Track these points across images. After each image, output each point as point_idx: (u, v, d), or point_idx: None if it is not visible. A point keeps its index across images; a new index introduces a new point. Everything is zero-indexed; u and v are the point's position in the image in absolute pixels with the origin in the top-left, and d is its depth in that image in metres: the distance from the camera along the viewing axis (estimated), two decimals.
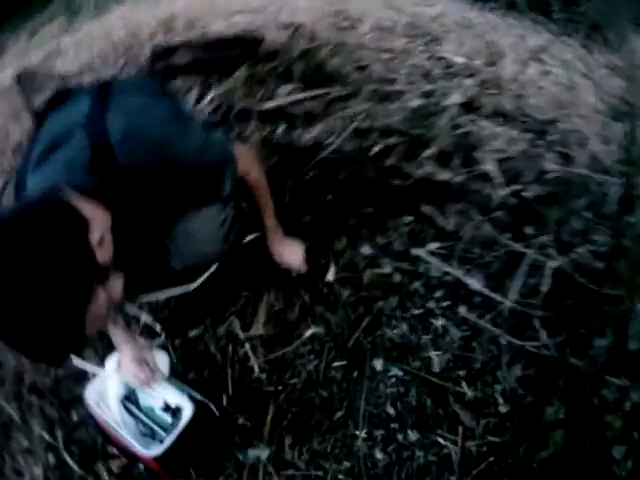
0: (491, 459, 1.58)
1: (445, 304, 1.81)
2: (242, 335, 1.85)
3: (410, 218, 1.93)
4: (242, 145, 1.82)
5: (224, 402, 1.76)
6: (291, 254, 1.78)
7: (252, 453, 1.63)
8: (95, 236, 0.93)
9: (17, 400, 2.05)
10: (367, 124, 2.04)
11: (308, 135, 2.11)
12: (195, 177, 1.24)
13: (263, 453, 1.63)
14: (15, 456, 1.95)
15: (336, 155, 2.02)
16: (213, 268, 1.71)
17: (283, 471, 1.68)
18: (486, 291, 1.79)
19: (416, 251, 1.89)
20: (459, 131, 1.98)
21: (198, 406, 1.59)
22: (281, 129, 2.19)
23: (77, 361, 1.63)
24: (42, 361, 1.00)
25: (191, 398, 1.60)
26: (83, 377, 1.84)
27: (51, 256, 0.86)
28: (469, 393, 1.67)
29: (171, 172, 1.17)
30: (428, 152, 1.92)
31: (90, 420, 1.67)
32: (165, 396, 1.65)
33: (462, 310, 1.80)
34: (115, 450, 1.65)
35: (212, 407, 1.61)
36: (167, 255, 1.47)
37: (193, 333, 1.95)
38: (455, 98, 2.06)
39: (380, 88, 2.18)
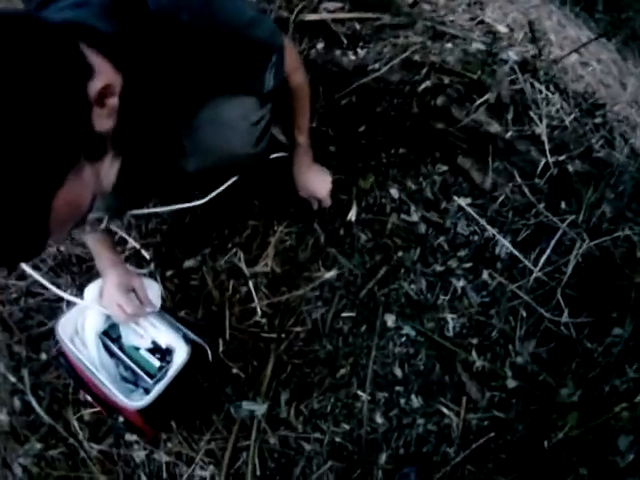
0: (491, 434, 1.50)
1: (468, 265, 1.64)
2: (246, 271, 1.53)
3: (445, 167, 1.71)
4: (291, 42, 1.41)
5: (220, 347, 1.45)
6: (317, 183, 1.53)
7: (246, 407, 1.41)
8: (96, 86, 0.67)
9: None
10: (419, 57, 1.75)
11: (350, 57, 1.79)
12: (238, 51, 1.00)
13: (259, 408, 1.41)
14: None
15: (379, 84, 1.72)
16: (227, 184, 1.41)
17: (277, 430, 1.47)
18: (512, 257, 1.62)
19: (447, 204, 1.68)
20: (515, 87, 1.72)
21: (193, 349, 1.28)
22: (320, 46, 1.85)
23: (50, 287, 1.29)
24: None
25: (186, 339, 1.29)
26: (57, 309, 1.56)
27: (28, 94, 0.55)
28: (478, 363, 1.56)
29: (213, 36, 0.92)
30: (482, 99, 1.63)
31: (61, 359, 1.37)
32: (154, 334, 1.36)
33: (484, 274, 1.64)
34: (88, 397, 1.30)
35: (209, 351, 1.31)
36: (180, 152, 1.18)
37: (188, 264, 1.65)
38: (513, 54, 1.79)
39: (435, 26, 1.86)
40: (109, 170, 0.75)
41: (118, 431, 1.48)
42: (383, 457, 1.53)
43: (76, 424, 1.54)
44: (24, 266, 1.40)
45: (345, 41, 1.80)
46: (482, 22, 1.99)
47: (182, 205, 1.38)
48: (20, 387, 1.62)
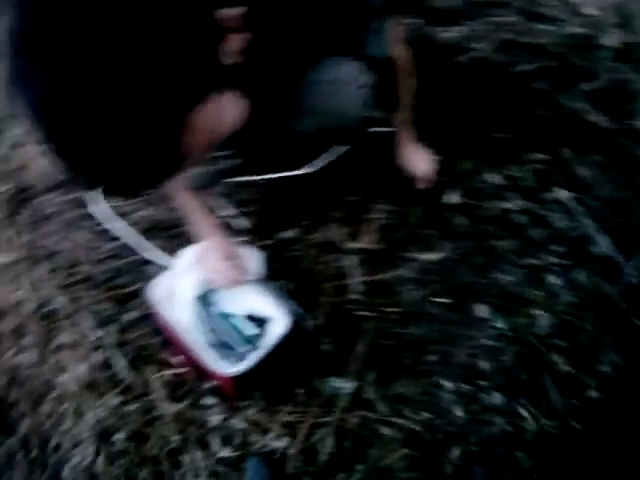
0: (564, 444, 1.40)
1: (564, 262, 1.53)
2: (345, 246, 1.41)
3: (545, 156, 1.59)
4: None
5: (313, 321, 1.35)
6: (421, 161, 1.49)
7: (334, 384, 1.30)
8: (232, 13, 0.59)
9: (68, 291, 1.65)
10: (516, 38, 1.61)
11: (447, 34, 1.70)
12: (354, 12, 1.02)
13: (347, 386, 1.33)
14: (59, 350, 1.57)
15: (477, 64, 1.63)
16: (336, 155, 1.38)
17: (358, 411, 1.36)
18: (612, 258, 1.52)
19: (545, 194, 1.56)
20: (618, 76, 1.60)
21: (292, 322, 1.16)
22: (416, 22, 1.75)
23: (145, 248, 1.29)
24: (115, 178, 0.55)
25: (285, 309, 1.18)
26: (144, 271, 1.47)
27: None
28: (564, 368, 1.46)
29: None
30: (586, 86, 1.51)
31: (152, 321, 1.28)
32: (252, 302, 1.25)
33: (579, 273, 1.53)
34: (176, 360, 1.18)
35: (307, 323, 1.19)
36: (294, 111, 1.15)
37: (286, 235, 1.54)
38: (610, 39, 1.66)
39: (530, 7, 1.76)
40: (235, 102, 0.67)
41: (198, 393, 1.37)
42: (456, 452, 1.43)
43: (156, 383, 1.44)
44: (115, 227, 1.34)
45: (441, 17, 1.71)
46: (568, 4, 1.87)
47: (287, 173, 1.27)
48: (103, 342, 1.53)
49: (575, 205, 1.56)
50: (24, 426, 1.55)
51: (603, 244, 1.53)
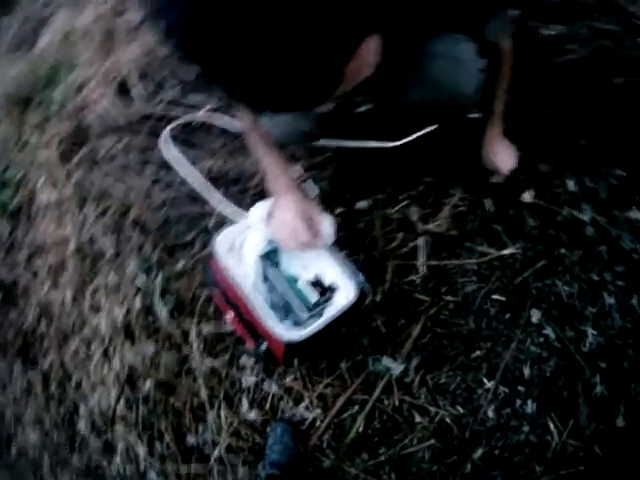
0: (581, 468, 1.35)
1: (620, 284, 1.46)
2: (415, 226, 1.31)
3: (624, 173, 1.51)
4: None
5: (377, 297, 1.27)
6: (504, 155, 1.41)
7: (385, 363, 1.23)
8: None
9: (115, 234, 1.58)
10: (614, 47, 1.54)
11: (547, 31, 1.60)
12: None
13: (396, 368, 1.27)
14: (97, 291, 1.51)
15: (574, 66, 1.53)
16: (424, 131, 1.31)
17: (397, 393, 1.29)
18: None
19: (618, 212, 1.50)
20: None
21: (360, 293, 1.08)
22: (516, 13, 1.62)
23: (212, 196, 1.20)
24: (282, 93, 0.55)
25: (354, 280, 1.08)
26: (198, 223, 1.41)
27: None
28: (598, 389, 1.41)
29: None
30: None
31: (209, 270, 1.18)
32: (320, 269, 1.16)
33: (635, 299, 1.47)
34: (230, 316, 1.09)
35: (368, 298, 1.12)
36: (405, 80, 1.10)
37: (360, 205, 1.45)
38: None
39: (631, 19, 1.66)
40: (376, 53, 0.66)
41: (235, 353, 1.29)
42: (479, 452, 1.38)
43: (194, 335, 1.36)
44: (182, 172, 1.26)
45: (539, 13, 1.61)
46: None
47: (374, 143, 1.17)
48: (146, 288, 1.46)
49: None
50: (47, 361, 1.48)
51: None
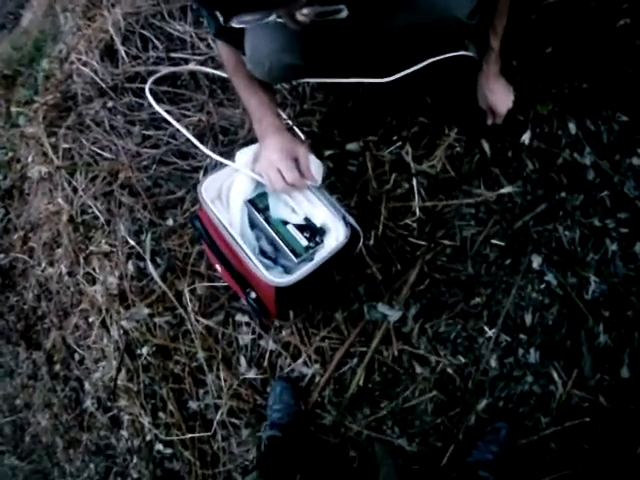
0: (586, 419, 1.30)
1: (624, 230, 1.40)
2: (413, 166, 1.25)
3: (626, 118, 1.43)
4: None
5: (370, 241, 1.21)
6: (500, 97, 1.33)
7: (381, 310, 1.17)
8: None
9: (106, 199, 1.54)
10: None
11: None
12: None
13: (394, 314, 1.19)
14: (91, 260, 1.48)
15: (573, 7, 1.45)
16: (415, 67, 1.20)
17: (397, 343, 1.23)
18: None
19: (620, 157, 1.42)
20: None
21: (350, 235, 1.03)
22: None
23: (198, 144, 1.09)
24: None
25: (345, 222, 1.03)
26: (189, 178, 1.35)
27: None
28: (602, 338, 1.35)
29: None
30: None
31: (197, 222, 1.10)
32: (309, 211, 1.09)
33: (638, 247, 1.40)
34: (218, 266, 1.03)
35: (361, 241, 1.06)
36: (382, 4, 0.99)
37: (350, 147, 1.38)
38: None
39: None
40: None
41: (230, 311, 1.23)
42: (483, 403, 1.33)
43: (188, 296, 1.31)
44: (175, 124, 1.20)
45: None
46: None
47: (364, 80, 1.10)
48: (138, 251, 1.40)
49: None
50: (50, 341, 1.43)
51: None
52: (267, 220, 1.10)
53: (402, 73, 1.16)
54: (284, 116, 1.35)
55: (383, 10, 1.02)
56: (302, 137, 1.25)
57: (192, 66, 1.55)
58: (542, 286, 1.35)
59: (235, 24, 0.72)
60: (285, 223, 1.10)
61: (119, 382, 1.29)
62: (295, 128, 1.18)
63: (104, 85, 1.72)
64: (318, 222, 1.09)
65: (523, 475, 1.26)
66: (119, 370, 1.29)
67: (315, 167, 1.11)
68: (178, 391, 1.28)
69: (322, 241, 1.07)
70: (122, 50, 1.73)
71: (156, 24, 1.67)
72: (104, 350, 1.32)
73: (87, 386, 1.34)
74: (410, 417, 1.29)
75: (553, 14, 1.53)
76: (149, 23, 1.67)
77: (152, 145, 1.55)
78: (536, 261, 1.36)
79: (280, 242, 1.08)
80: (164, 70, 1.45)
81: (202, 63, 1.58)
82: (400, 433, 1.30)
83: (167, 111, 1.49)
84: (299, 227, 1.10)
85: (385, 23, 1.07)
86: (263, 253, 1.10)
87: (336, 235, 1.06)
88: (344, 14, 0.78)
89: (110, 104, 1.69)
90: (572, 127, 1.43)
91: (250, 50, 1.06)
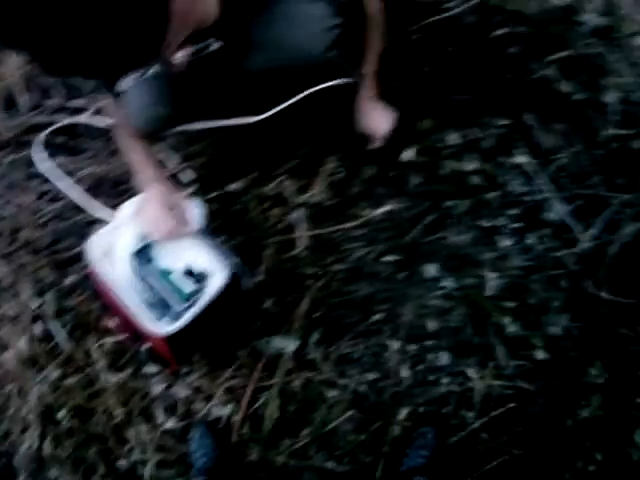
0: (512, 405, 1.35)
1: (515, 225, 1.46)
2: (293, 199, 1.29)
3: (507, 121, 1.49)
4: None
5: (256, 278, 1.24)
6: (379, 119, 1.36)
7: (277, 343, 1.19)
8: None
9: (8, 260, 1.50)
10: (498, 2, 1.52)
11: None
12: None
13: (289, 345, 1.22)
14: (1, 328, 1.44)
15: (452, 24, 1.50)
16: (286, 104, 1.24)
17: (302, 372, 1.27)
18: (566, 224, 1.46)
19: (503, 158, 1.48)
20: (591, 50, 1.52)
21: (231, 275, 1.05)
22: None
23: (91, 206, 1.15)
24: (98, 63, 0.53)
25: (224, 264, 1.06)
26: (88, 232, 1.28)
27: None
28: (511, 328, 1.40)
29: None
30: (557, 56, 1.44)
31: (90, 280, 1.14)
32: (191, 257, 1.13)
33: (531, 238, 1.46)
34: (114, 322, 1.06)
35: (245, 280, 1.09)
36: (246, 48, 1.03)
37: (233, 187, 1.41)
38: (592, 17, 1.59)
39: None
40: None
41: (139, 361, 1.26)
42: (403, 413, 1.36)
43: (96, 353, 1.32)
44: (60, 185, 1.26)
45: None
46: None
47: (236, 120, 1.15)
48: (42, 312, 1.40)
49: (534, 171, 1.48)
50: None
51: (559, 210, 1.45)
52: (153, 270, 1.14)
53: (272, 111, 1.20)
54: (171, 162, 1.38)
55: (239, 50, 1.05)
56: (189, 179, 1.29)
57: (86, 117, 1.56)
58: (440, 292, 1.40)
59: (120, 87, 0.75)
60: (170, 272, 1.14)
61: (46, 451, 1.30)
62: (181, 173, 1.22)
63: (5, 136, 1.71)
64: (200, 267, 1.13)
65: (461, 471, 1.30)
66: (43, 439, 1.30)
67: (196, 213, 1.15)
68: (105, 451, 1.30)
69: (206, 285, 1.10)
70: (23, 98, 1.72)
71: None
72: (25, 419, 1.33)
73: (17, 460, 1.34)
74: (333, 439, 1.32)
75: (431, 33, 1.58)
76: None
77: (51, 199, 1.53)
78: (431, 270, 1.40)
79: (167, 291, 1.12)
80: (57, 124, 1.48)
81: (99, 111, 1.60)
82: (327, 457, 1.32)
83: (64, 164, 1.51)
84: (184, 274, 1.13)
85: (245, 64, 1.09)
86: (154, 304, 1.13)
87: (218, 278, 1.10)
88: (216, 45, 0.80)
89: (9, 158, 1.68)
90: (453, 138, 1.49)
91: (128, 103, 1.09)
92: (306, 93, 1.26)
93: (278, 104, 1.26)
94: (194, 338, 1.13)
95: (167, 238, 1.11)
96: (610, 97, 1.51)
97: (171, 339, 1.05)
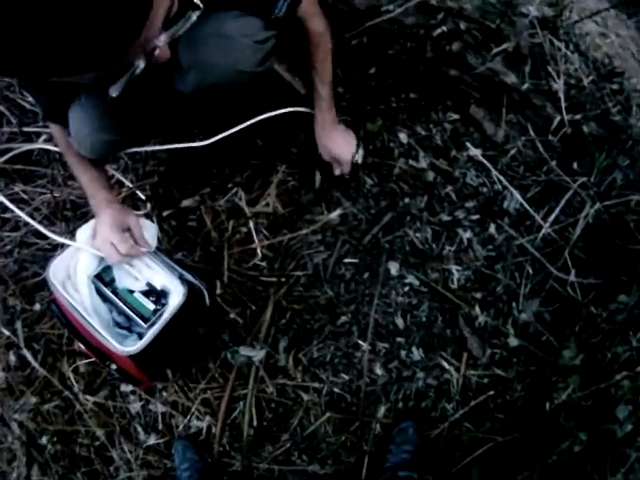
0: (491, 393, 1.36)
1: (475, 217, 1.47)
2: (247, 210, 1.34)
3: (456, 116, 1.52)
4: None
5: (217, 291, 1.27)
6: (341, 145, 1.33)
7: (244, 353, 1.23)
8: None
9: None
10: (435, 1, 1.52)
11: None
12: None
13: (257, 354, 1.24)
14: None
15: (392, 26, 1.50)
16: (232, 131, 1.25)
17: (275, 379, 1.30)
18: (524, 212, 1.47)
19: (457, 153, 1.49)
20: (534, 40, 1.55)
21: (189, 292, 1.08)
22: None
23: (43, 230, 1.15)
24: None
25: (182, 280, 1.10)
26: (52, 258, 1.26)
27: None
28: (481, 318, 1.40)
29: None
30: (500, 48, 1.47)
31: (53, 306, 1.15)
32: (149, 276, 1.16)
33: (492, 228, 1.48)
34: (82, 346, 1.11)
35: (205, 294, 1.12)
36: (175, 69, 1.00)
37: (186, 204, 1.44)
38: (533, 8, 1.61)
39: None
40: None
41: (113, 382, 1.29)
42: (382, 410, 1.37)
43: (71, 376, 1.35)
44: (19, 213, 1.24)
45: None
46: None
47: (182, 145, 1.18)
48: (14, 340, 1.42)
49: (488, 162, 1.50)
50: None
51: (517, 199, 1.47)
52: (115, 292, 1.17)
53: (218, 137, 1.23)
54: (127, 182, 1.43)
55: (165, 72, 1.02)
56: (142, 198, 1.33)
57: (40, 143, 1.58)
58: (405, 289, 1.42)
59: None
60: (131, 292, 1.17)
61: (35, 478, 1.34)
62: (138, 192, 1.26)
63: None
64: (159, 285, 1.16)
65: (447, 462, 1.30)
66: (30, 467, 1.34)
67: (149, 233, 1.18)
68: (92, 473, 1.33)
69: (167, 302, 1.14)
70: None
71: (9, 96, 1.63)
72: (11, 449, 1.37)
73: None
74: (314, 442, 1.33)
75: (372, 36, 1.62)
76: (3, 96, 1.63)
77: (12, 228, 1.55)
78: (393, 268, 1.42)
79: (129, 311, 1.15)
80: (12, 152, 1.51)
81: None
82: (310, 460, 1.34)
83: (22, 191, 1.54)
84: (144, 293, 1.16)
85: (178, 87, 1.08)
86: (118, 324, 1.16)
87: (177, 295, 1.14)
88: (142, 65, 0.79)
89: None
90: (403, 137, 1.51)
91: (73, 131, 1.10)
92: (256, 120, 1.25)
93: (228, 123, 1.28)
94: (161, 355, 1.16)
95: (125, 261, 1.13)
96: (558, 84, 1.53)
97: (136, 357, 1.08)
